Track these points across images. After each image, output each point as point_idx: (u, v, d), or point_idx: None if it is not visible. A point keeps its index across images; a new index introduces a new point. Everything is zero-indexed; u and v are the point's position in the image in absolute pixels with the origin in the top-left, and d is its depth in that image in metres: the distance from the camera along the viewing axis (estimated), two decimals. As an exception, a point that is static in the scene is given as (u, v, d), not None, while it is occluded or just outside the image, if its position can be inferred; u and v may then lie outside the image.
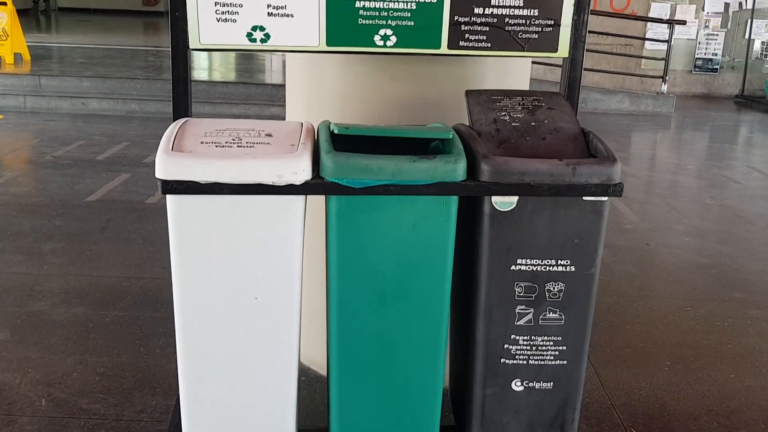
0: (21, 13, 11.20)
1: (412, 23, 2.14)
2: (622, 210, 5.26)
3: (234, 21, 2.09)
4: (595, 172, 1.80)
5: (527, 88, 2.61)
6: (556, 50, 2.22)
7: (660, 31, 11.11)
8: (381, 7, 2.11)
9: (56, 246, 4.12)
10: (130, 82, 8.80)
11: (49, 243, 4.16)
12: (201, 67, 10.83)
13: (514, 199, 1.82)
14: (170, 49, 2.11)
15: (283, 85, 2.97)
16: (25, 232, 4.34)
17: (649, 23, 11.36)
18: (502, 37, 2.18)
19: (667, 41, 10.28)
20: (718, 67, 12.29)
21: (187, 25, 2.07)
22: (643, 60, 11.42)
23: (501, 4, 2.15)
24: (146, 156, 6.42)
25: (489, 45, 2.19)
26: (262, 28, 2.10)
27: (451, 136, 1.82)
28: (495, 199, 1.82)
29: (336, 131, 1.78)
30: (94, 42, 13.34)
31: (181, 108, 2.15)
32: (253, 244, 1.79)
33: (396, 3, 2.11)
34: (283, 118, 2.79)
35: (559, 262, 1.88)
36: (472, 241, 1.88)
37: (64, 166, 5.98)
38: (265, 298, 1.82)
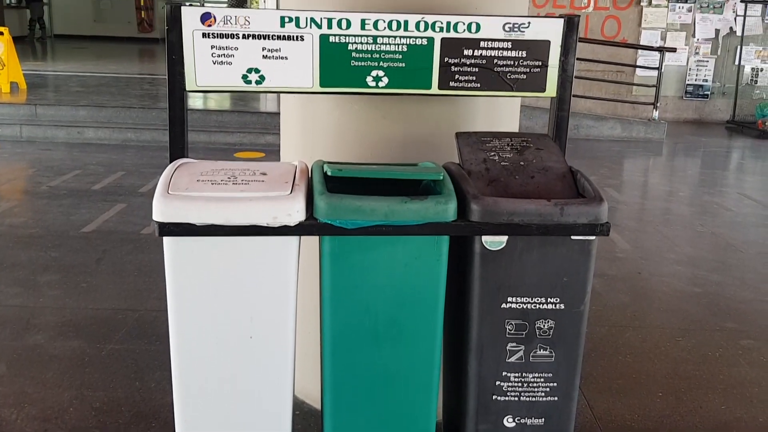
0: (17, 40, 11.27)
1: (404, 65, 2.20)
2: (614, 238, 5.31)
3: (230, 63, 2.15)
4: (583, 212, 1.85)
5: (517, 124, 2.66)
6: (544, 90, 2.28)
7: (651, 58, 11.25)
8: (373, 49, 2.17)
9: (52, 278, 4.14)
10: (126, 111, 8.86)
11: (46, 275, 4.18)
12: (196, 96, 10.92)
13: (504, 238, 1.87)
14: (167, 91, 2.16)
15: (278, 113, 3.02)
16: (21, 263, 4.36)
17: (640, 50, 11.51)
18: (491, 77, 2.24)
19: (657, 68, 10.42)
20: (708, 93, 12.43)
21: (183, 68, 2.13)
22: (635, 86, 11.55)
23: (490, 46, 2.21)
24: (142, 185, 6.46)
25: (478, 85, 2.25)
26: (257, 70, 2.16)
27: (441, 177, 1.87)
28: (485, 238, 1.86)
29: (329, 173, 1.82)
30: (90, 70, 13.44)
31: (178, 148, 2.19)
32: (248, 284, 1.83)
33: (388, 45, 2.17)
34: (279, 146, 2.83)
35: (549, 300, 1.91)
36: (464, 279, 1.92)
37: (60, 196, 6.01)
38: (260, 338, 1.85)
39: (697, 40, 12.37)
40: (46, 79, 12.15)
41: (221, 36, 2.12)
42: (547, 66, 2.25)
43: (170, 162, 2.14)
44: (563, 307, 1.92)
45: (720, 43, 12.38)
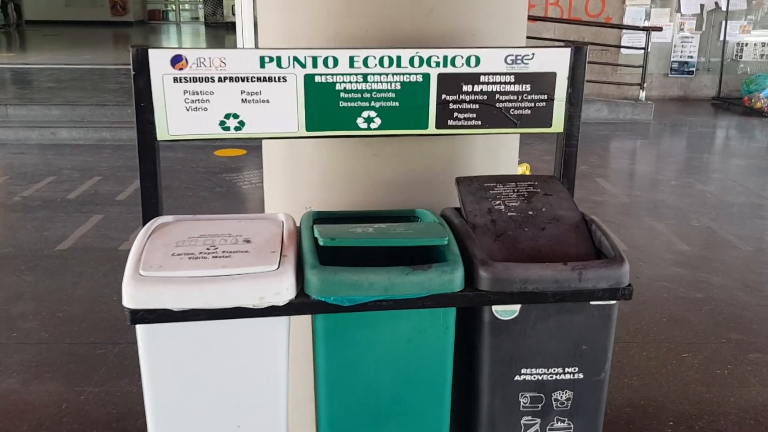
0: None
1: (397, 104, 2.00)
2: (609, 237, 5.16)
3: (205, 110, 1.94)
4: (603, 276, 1.68)
5: (516, 157, 2.48)
6: (550, 125, 2.09)
7: (636, 36, 11.07)
8: (363, 89, 1.97)
9: (26, 308, 3.92)
10: (101, 109, 8.55)
11: (19, 304, 3.96)
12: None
13: (517, 307, 1.69)
14: (136, 142, 1.95)
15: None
16: (-7, 291, 4.14)
17: (624, 29, 11.31)
18: (493, 114, 2.05)
19: (643, 48, 10.24)
20: (694, 69, 12.28)
21: (153, 116, 1.91)
22: (620, 67, 11.36)
23: (491, 80, 2.02)
24: (119, 192, 6.22)
25: (479, 123, 2.05)
26: (236, 116, 1.95)
27: (446, 242, 1.68)
28: (496, 307, 1.69)
29: (321, 242, 1.63)
30: (63, 61, 13.01)
31: (151, 204, 1.98)
32: (233, 370, 1.64)
33: (379, 84, 1.97)
34: (260, 143, 2.58)
35: (566, 370, 1.75)
36: (472, 351, 1.75)
37: (34, 208, 5.76)
38: (248, 426, 1.67)
39: (682, 15, 12.19)
40: (17, 74, 11.75)
41: (195, 80, 1.91)
42: (553, 99, 2.06)
43: (143, 222, 1.94)
44: (582, 376, 1.76)
45: (705, 19, 12.20)
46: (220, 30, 23.55)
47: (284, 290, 1.58)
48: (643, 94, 10.33)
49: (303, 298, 1.61)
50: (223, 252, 1.64)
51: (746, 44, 12.44)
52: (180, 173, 6.77)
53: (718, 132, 10.05)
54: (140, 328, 1.59)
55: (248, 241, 1.71)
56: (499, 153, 2.36)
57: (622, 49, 11.34)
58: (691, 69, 12.31)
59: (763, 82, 11.22)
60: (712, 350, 3.53)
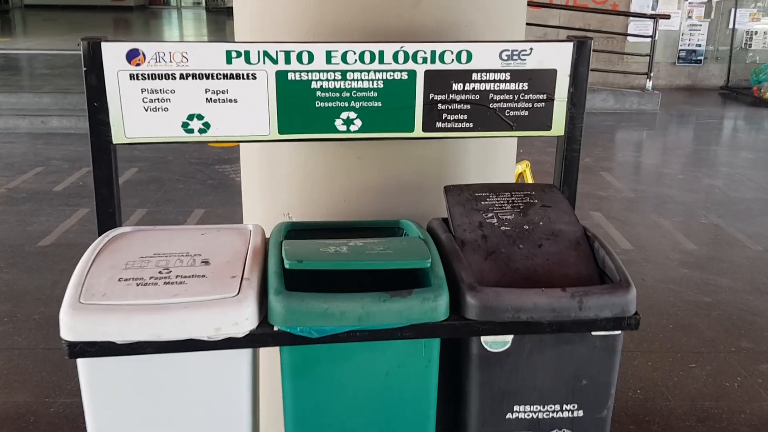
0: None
1: (380, 104, 1.80)
2: (614, 235, 4.97)
3: (165, 110, 1.74)
4: (606, 303, 1.48)
5: (514, 160, 2.28)
6: (549, 128, 1.89)
7: (643, 24, 10.80)
8: (342, 87, 1.77)
9: (2, 308, 3.75)
10: (93, 97, 8.34)
11: (-6, 305, 3.79)
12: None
13: (509, 337, 1.50)
14: (89, 145, 1.76)
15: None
16: (-32, 291, 3.96)
17: (631, 17, 11.04)
18: (486, 115, 1.85)
19: (651, 36, 9.98)
20: (702, 58, 12.01)
21: (108, 117, 1.72)
22: (626, 55, 11.10)
23: (484, 78, 1.82)
24: (108, 184, 6.02)
25: (471, 125, 1.86)
26: (200, 117, 1.76)
27: (429, 265, 1.49)
28: (485, 338, 1.50)
29: (286, 265, 1.44)
30: (59, 47, 12.76)
31: (107, 213, 1.80)
32: (188, 407, 1.46)
33: (360, 82, 1.77)
34: None
35: (565, 407, 1.56)
36: (459, 386, 1.56)
37: (19, 200, 5.58)
38: (207, 469, 1.49)
39: (690, 3, 11.90)
40: (10, 60, 11.54)
41: (153, 77, 1.71)
42: (553, 99, 1.86)
43: (98, 234, 1.75)
44: (582, 414, 1.57)
45: (713, 7, 11.91)
46: (221, 15, 23.27)
47: (243, 320, 1.39)
48: (650, 84, 10.08)
49: (266, 329, 1.42)
50: (177, 276, 1.45)
51: (756, 32, 12.15)
52: (171, 164, 6.58)
53: (726, 123, 9.81)
54: (81, 362, 1.40)
55: (207, 263, 1.51)
56: (495, 157, 2.16)
57: (629, 37, 11.08)
58: (699, 58, 12.04)
59: (773, 71, 10.95)
60: (720, 360, 3.34)
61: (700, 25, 11.95)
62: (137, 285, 1.43)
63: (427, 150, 2.03)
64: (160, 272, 1.47)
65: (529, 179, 3.76)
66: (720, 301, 3.97)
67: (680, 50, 12.00)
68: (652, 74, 10.12)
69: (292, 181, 2.11)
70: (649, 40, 10.10)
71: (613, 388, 1.58)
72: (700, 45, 11.98)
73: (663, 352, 3.40)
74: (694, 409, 2.96)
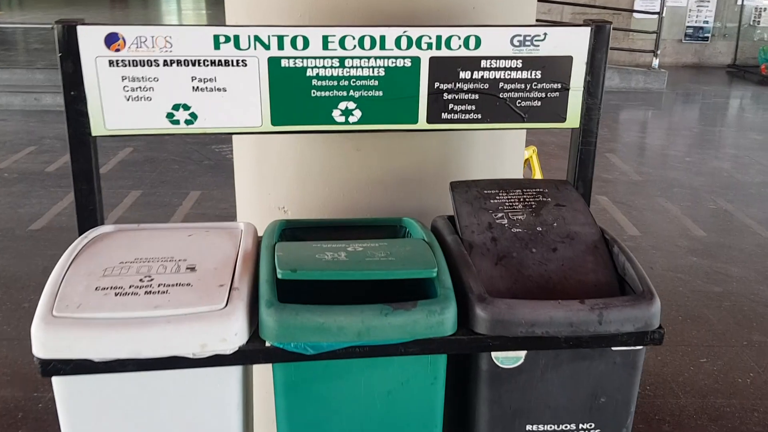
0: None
1: (381, 93, 1.66)
2: (620, 220, 4.85)
3: (149, 99, 1.60)
4: (629, 317, 1.36)
5: (523, 156, 2.14)
6: (563, 120, 1.76)
7: (649, 0, 10.57)
8: (340, 75, 1.63)
9: (-10, 296, 3.64)
10: (88, 74, 8.16)
11: (-17, 292, 3.68)
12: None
13: (522, 353, 1.38)
14: (67, 137, 1.62)
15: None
16: (-44, 277, 3.85)
17: (637, -8, 10.81)
18: (496, 106, 1.71)
19: (658, 13, 9.76)
20: (709, 35, 11.78)
21: (87, 108, 1.58)
22: (633, 33, 10.88)
23: (494, 65, 1.67)
24: (101, 164, 5.88)
25: (479, 116, 1.72)
26: (186, 107, 1.62)
27: (435, 274, 1.36)
28: (496, 353, 1.38)
29: (279, 275, 1.31)
30: (53, 20, 12.53)
31: (87, 211, 1.67)
32: (173, 427, 1.34)
33: (359, 69, 1.63)
34: None
35: (581, 426, 1.44)
36: (467, 404, 1.44)
37: (10, 182, 5.44)
38: (193, 494, 1.38)
39: (698, -22, 11.65)
40: (3, 34, 11.32)
41: (135, 63, 1.57)
42: (568, 89, 1.72)
43: (78, 233, 1.63)
44: (598, 433, 1.46)
45: (722, -18, 11.66)
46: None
47: (232, 335, 1.27)
48: (656, 62, 9.89)
49: (257, 344, 1.30)
50: (159, 285, 1.32)
51: (765, 9, 11.90)
52: (167, 144, 6.43)
53: (734, 103, 9.64)
54: (56, 381, 1.29)
55: (192, 269, 1.39)
56: (503, 150, 2.03)
57: (635, 14, 10.85)
58: (706, 35, 11.81)
59: (782, 49, 10.74)
60: (732, 354, 3.23)
61: (708, 1, 11.70)
62: (115, 295, 1.30)
63: (431, 141, 1.89)
64: (141, 280, 1.34)
65: (536, 166, 3.63)
66: (730, 292, 3.85)
67: (687, 27, 11.77)
68: (658, 52, 9.91)
69: (287, 173, 1.97)
70: (655, 16, 9.88)
71: (632, 406, 1.46)
72: (707, 22, 11.75)
73: (673, 346, 3.29)
74: (706, 406, 2.85)
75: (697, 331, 3.44)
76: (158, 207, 4.96)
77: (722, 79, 11.03)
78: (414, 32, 1.62)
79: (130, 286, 1.33)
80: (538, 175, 3.63)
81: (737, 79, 11.03)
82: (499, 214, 1.60)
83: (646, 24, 10.53)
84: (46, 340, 1.24)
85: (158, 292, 1.31)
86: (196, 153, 6.27)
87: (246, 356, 1.30)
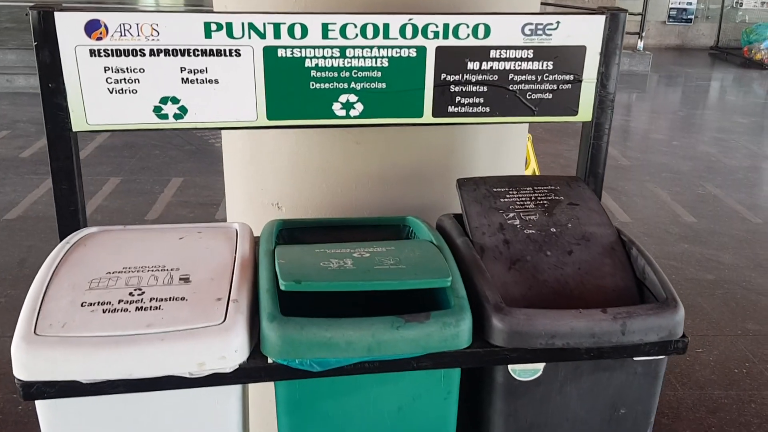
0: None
1: (384, 85, 1.56)
2: (611, 206, 4.79)
3: (134, 92, 1.49)
4: (653, 326, 1.28)
5: (525, 140, 2.05)
6: (575, 113, 1.67)
7: (633, -19, 10.48)
8: (341, 65, 1.52)
9: (-36, 291, 3.49)
10: (62, 55, 7.91)
11: (-43, 287, 3.53)
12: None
13: (540, 365, 1.30)
14: (45, 133, 1.50)
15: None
16: (-72, 271, 3.69)
17: (621, -28, 10.71)
18: (505, 98, 1.62)
19: (642, -6, 9.70)
20: (692, 17, 11.76)
21: (66, 101, 1.46)
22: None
23: (503, 56, 1.58)
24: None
25: (487, 109, 1.62)
26: (174, 100, 1.50)
27: (449, 284, 1.27)
28: (513, 366, 1.29)
29: (282, 287, 1.21)
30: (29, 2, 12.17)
31: (69, 213, 1.56)
32: (168, 450, 1.25)
33: (361, 60, 1.53)
34: None
35: (599, 439, 1.37)
36: (481, 418, 1.36)
37: (-17, 168, 5.26)
38: None
39: (681, -42, 11.59)
40: (-27, 12, 10.94)
41: (119, 53, 1.45)
42: (581, 81, 1.63)
43: (60, 237, 1.51)
44: (618, 446, 1.39)
45: (705, -37, 11.62)
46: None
47: (231, 353, 1.18)
48: (641, 44, 9.83)
49: (258, 361, 1.21)
50: (151, 300, 1.22)
51: (747, -9, 11.90)
52: (146, 129, 6.24)
53: (718, 85, 9.63)
54: (40, 404, 1.18)
55: (186, 280, 1.28)
56: (507, 144, 1.94)
57: (619, -5, 10.76)
58: (689, 16, 11.78)
59: (764, 32, 10.74)
60: (728, 344, 3.20)
61: (691, -17, 11.66)
62: (104, 312, 1.19)
63: (434, 135, 1.80)
64: (130, 293, 1.24)
65: (531, 155, 3.55)
66: (723, 279, 3.82)
67: (671, 8, 11.73)
68: (643, 34, 9.86)
69: (282, 167, 1.87)
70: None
71: (652, 417, 1.40)
72: (690, 3, 11.72)
73: (668, 336, 3.25)
74: (704, 399, 2.82)
75: (691, 320, 3.40)
76: (139, 195, 4.81)
77: (705, 61, 11.02)
78: (420, 20, 1.51)
79: (119, 301, 1.22)
80: (533, 163, 3.55)
81: (720, 61, 11.03)
82: (511, 214, 1.51)
83: (629, 5, 10.45)
84: (27, 361, 1.14)
85: (150, 308, 1.21)
86: (178, 138, 6.10)
87: (247, 374, 1.20)
